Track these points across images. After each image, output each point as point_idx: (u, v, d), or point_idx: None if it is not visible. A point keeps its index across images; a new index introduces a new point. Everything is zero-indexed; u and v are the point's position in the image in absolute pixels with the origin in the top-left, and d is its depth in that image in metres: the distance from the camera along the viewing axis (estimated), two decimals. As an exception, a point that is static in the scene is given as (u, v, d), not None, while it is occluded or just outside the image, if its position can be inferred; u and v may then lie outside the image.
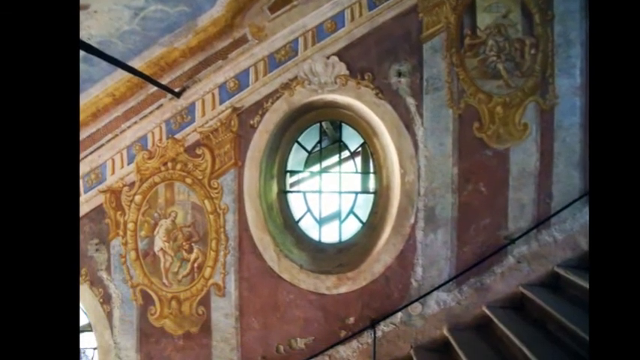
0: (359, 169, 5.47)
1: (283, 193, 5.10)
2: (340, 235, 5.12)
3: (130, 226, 4.62)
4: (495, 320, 4.14)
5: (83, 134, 4.60)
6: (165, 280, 4.64)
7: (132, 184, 4.60)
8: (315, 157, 5.37)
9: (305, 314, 4.59)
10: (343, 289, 4.55)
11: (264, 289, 4.60)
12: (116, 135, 4.61)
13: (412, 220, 4.49)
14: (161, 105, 4.55)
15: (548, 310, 3.84)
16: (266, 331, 4.62)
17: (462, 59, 4.44)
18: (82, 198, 4.64)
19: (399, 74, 4.45)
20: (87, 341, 5.68)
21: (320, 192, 5.07)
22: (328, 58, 4.46)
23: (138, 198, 4.60)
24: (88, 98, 4.48)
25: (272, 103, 4.52)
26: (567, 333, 3.57)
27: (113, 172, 4.62)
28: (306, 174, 5.82)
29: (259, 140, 4.54)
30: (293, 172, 5.39)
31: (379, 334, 4.50)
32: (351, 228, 5.16)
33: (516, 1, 4.40)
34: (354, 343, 4.55)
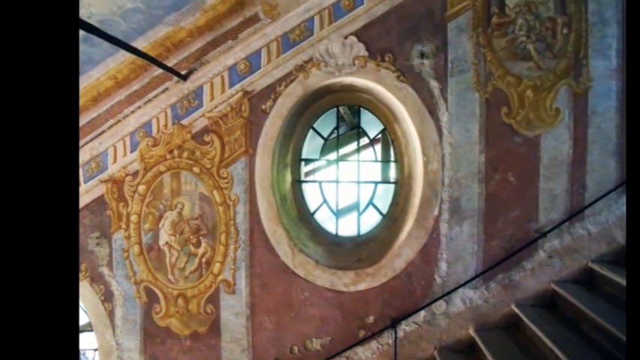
0: (379, 158, 5.51)
1: (298, 182, 5.20)
2: (359, 228, 5.20)
3: (134, 218, 4.74)
4: (525, 319, 4.22)
5: (83, 120, 4.71)
6: (170, 277, 4.76)
7: (135, 173, 4.72)
8: (331, 144, 5.41)
9: (321, 313, 4.69)
10: (362, 286, 4.64)
11: (277, 286, 4.71)
12: (118, 121, 4.73)
13: (436, 212, 4.58)
14: (167, 89, 4.66)
15: (581, 308, 3.91)
16: (279, 331, 4.73)
17: (489, 39, 4.51)
18: (82, 188, 4.75)
19: (422, 55, 4.52)
20: (87, 342, 5.80)
21: (337, 182, 5.16)
22: (346, 38, 4.54)
23: (142, 188, 4.72)
24: (89, 81, 4.58)
25: (285, 86, 4.61)
26: (602, 333, 3.65)
27: (115, 161, 4.74)
28: (322, 162, 5.87)
29: (272, 126, 4.64)
30: (308, 161, 5.49)
31: (400, 334, 4.59)
32: (370, 220, 5.25)
33: (548, -23, 4.46)
34: (374, 344, 4.65)
